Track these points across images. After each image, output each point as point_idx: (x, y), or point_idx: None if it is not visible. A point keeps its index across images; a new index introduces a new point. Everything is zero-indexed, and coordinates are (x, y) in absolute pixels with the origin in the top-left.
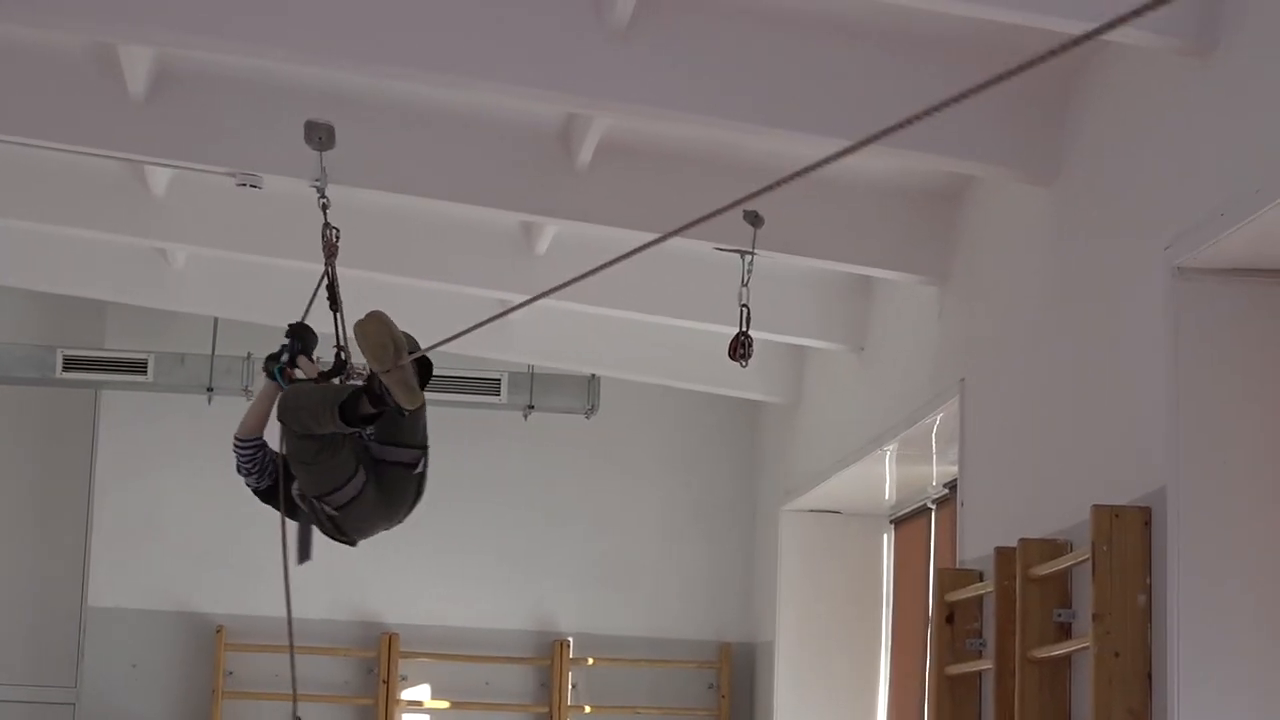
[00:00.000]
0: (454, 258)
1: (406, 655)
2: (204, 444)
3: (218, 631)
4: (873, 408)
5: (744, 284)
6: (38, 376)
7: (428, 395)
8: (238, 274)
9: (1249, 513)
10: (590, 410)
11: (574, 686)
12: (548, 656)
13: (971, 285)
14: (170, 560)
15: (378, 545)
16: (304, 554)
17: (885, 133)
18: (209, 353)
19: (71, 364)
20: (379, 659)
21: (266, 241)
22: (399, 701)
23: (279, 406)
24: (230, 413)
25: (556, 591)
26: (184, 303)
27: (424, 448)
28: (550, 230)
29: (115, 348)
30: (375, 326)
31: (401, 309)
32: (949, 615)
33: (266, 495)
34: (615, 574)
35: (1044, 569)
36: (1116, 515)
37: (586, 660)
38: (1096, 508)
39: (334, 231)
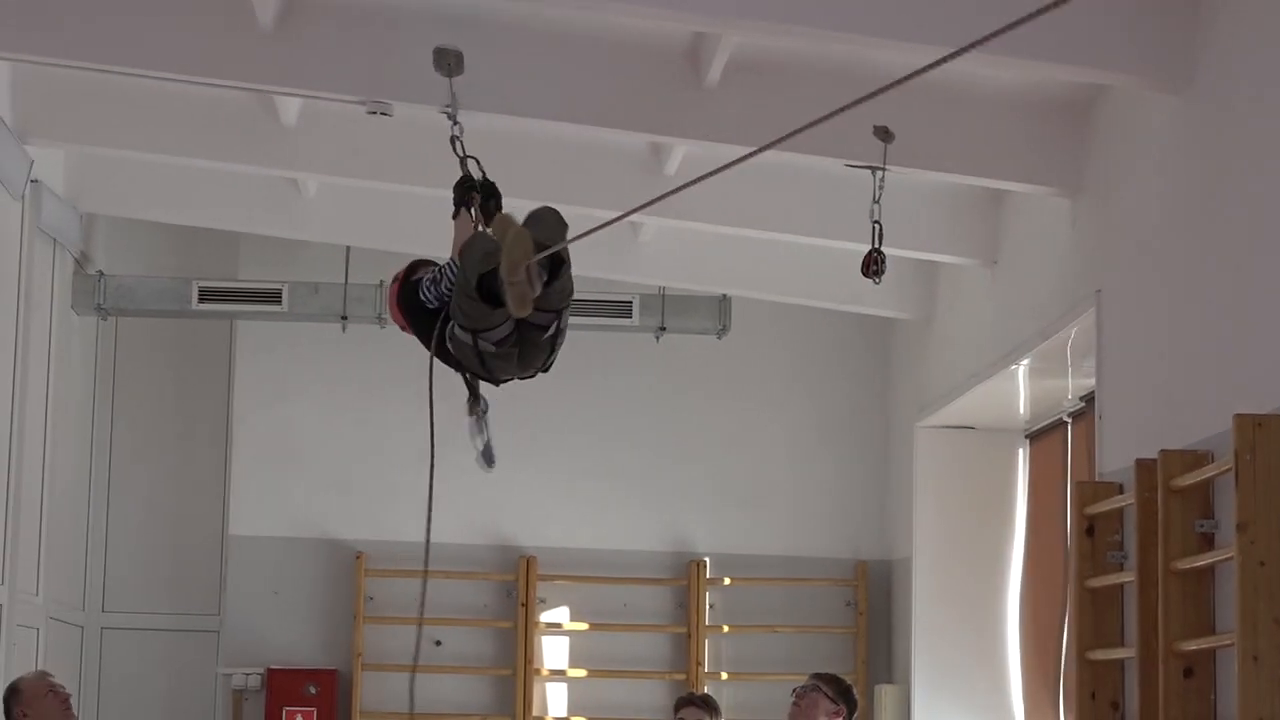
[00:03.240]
0: (583, 179)
1: (545, 578)
2: (339, 371)
3: (358, 557)
4: (1006, 322)
5: (875, 200)
6: (174, 309)
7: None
8: (369, 202)
9: None
10: (722, 331)
11: (711, 606)
12: (684, 577)
13: (1105, 196)
14: (309, 487)
15: (513, 469)
16: (475, 399)
17: (998, 33)
18: (342, 281)
19: (207, 295)
20: (518, 582)
21: (397, 169)
22: (538, 624)
23: (464, 245)
24: (365, 340)
25: (691, 512)
26: (316, 232)
27: (557, 312)
28: (680, 150)
29: (249, 278)
30: (519, 245)
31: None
32: (1089, 528)
33: (423, 323)
34: (750, 493)
35: (1186, 480)
36: (1259, 424)
37: (723, 580)
38: (1239, 417)
39: (473, 160)
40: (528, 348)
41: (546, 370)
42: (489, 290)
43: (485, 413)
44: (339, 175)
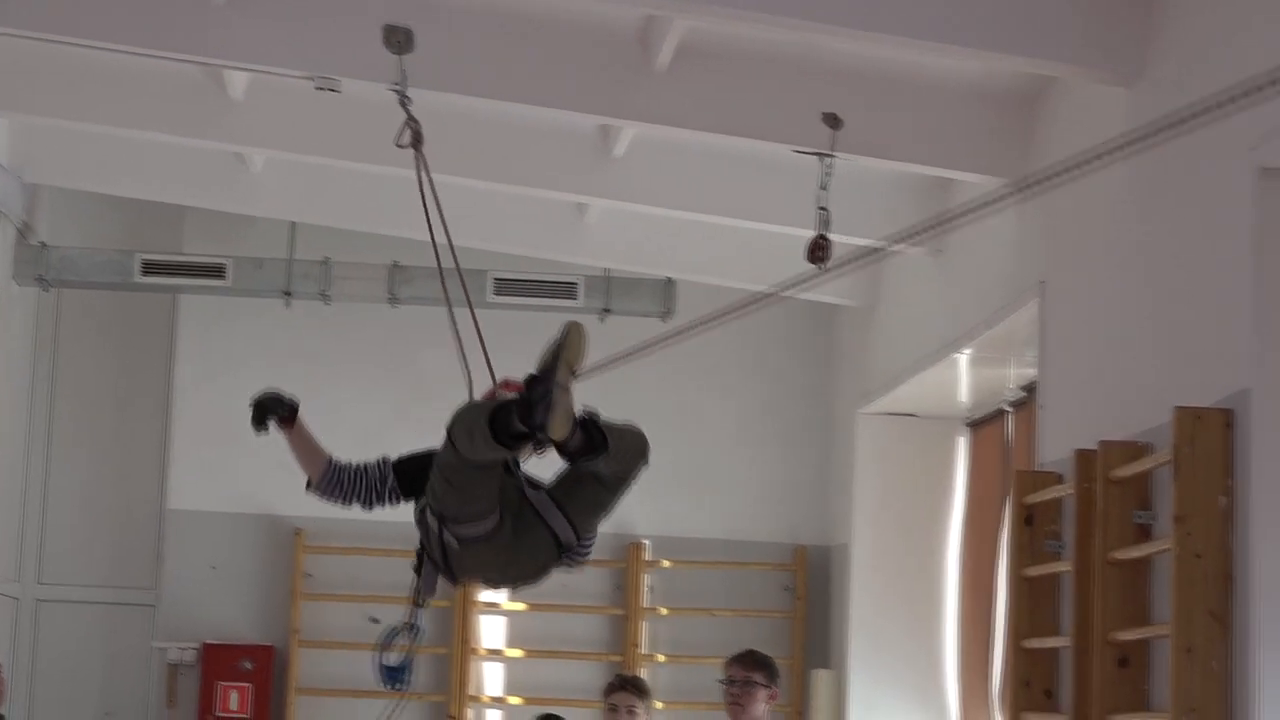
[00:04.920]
0: (531, 160)
1: None
2: (283, 348)
3: (296, 534)
4: (950, 311)
5: (822, 187)
6: (117, 281)
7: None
8: (315, 178)
9: None
10: (666, 314)
11: (650, 589)
12: (623, 559)
13: (1051, 187)
14: (249, 463)
15: None
16: (430, 590)
17: None
18: (287, 257)
19: (150, 268)
20: None
21: (345, 145)
22: (476, 603)
23: (453, 417)
24: (309, 316)
25: (632, 495)
26: (262, 207)
27: (584, 541)
28: (629, 133)
29: (193, 252)
30: (580, 336)
31: (478, 212)
32: (1027, 517)
33: (407, 490)
34: (691, 477)
35: (1125, 471)
36: (1199, 417)
37: (662, 563)
38: (1179, 409)
39: (416, 124)
40: (527, 550)
41: (508, 586)
42: (503, 423)
43: (412, 632)
44: (286, 150)
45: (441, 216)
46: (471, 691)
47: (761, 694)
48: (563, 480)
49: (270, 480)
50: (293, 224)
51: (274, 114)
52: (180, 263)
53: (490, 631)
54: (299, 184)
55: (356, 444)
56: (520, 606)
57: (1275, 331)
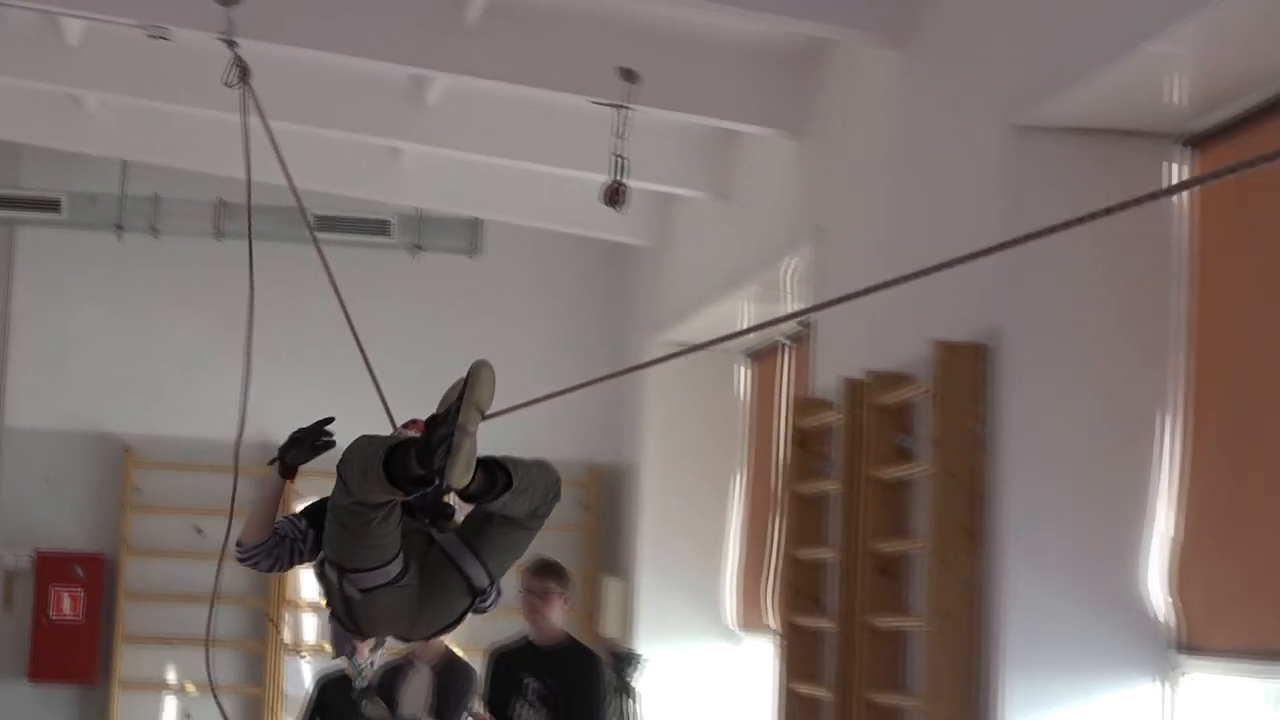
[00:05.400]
0: (349, 107)
1: (302, 475)
2: (115, 278)
3: (126, 451)
4: (734, 251)
5: (619, 135)
6: None
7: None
8: (147, 118)
9: (1073, 349)
10: (474, 251)
11: (453, 505)
12: None
13: (828, 140)
14: (83, 385)
15: (276, 374)
16: (342, 650)
17: None
18: (119, 193)
19: None
20: None
21: (175, 89)
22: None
23: (344, 453)
24: (139, 249)
25: None
26: (95, 146)
27: (483, 565)
28: (441, 83)
29: (30, 187)
30: (489, 378)
31: (298, 153)
32: (801, 440)
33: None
34: (499, 403)
35: (889, 398)
36: (953, 350)
37: None
38: (936, 343)
39: (244, 63)
40: (439, 596)
41: (420, 637)
42: (400, 466)
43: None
44: (119, 93)
45: (275, 146)
46: (290, 596)
47: (556, 600)
48: (472, 520)
49: (103, 401)
50: (124, 162)
51: (108, 59)
52: (17, 196)
53: None
54: (131, 124)
55: (179, 366)
56: None
57: (1023, 274)
